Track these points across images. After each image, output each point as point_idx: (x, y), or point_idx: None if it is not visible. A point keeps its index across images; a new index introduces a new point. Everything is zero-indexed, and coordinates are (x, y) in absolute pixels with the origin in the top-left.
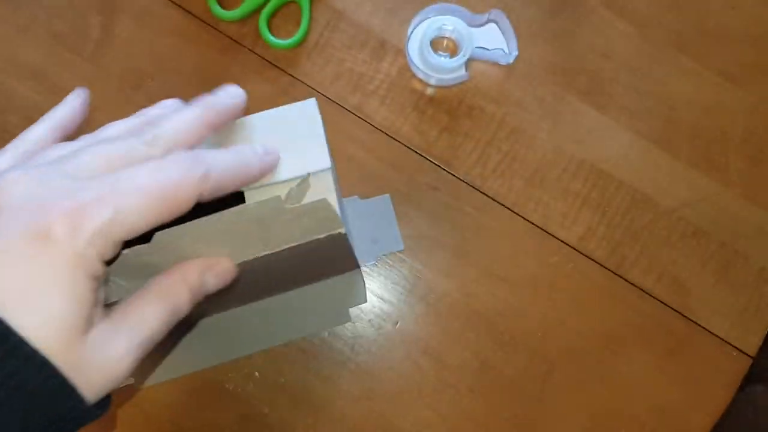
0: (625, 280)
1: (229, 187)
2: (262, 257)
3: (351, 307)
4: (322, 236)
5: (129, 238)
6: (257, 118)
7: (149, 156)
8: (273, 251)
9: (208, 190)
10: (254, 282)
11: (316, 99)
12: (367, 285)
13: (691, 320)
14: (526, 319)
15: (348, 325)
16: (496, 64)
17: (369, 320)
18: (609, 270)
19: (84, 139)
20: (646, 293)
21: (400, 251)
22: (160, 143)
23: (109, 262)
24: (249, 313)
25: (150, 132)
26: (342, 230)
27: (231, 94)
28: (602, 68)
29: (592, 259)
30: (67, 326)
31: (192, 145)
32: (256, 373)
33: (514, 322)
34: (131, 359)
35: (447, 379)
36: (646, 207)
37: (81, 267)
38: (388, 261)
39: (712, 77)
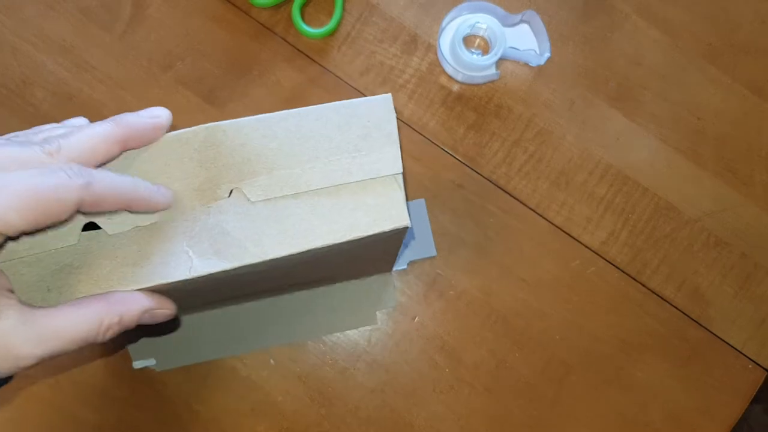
0: (645, 287)
1: (113, 205)
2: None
3: (379, 310)
4: (387, 229)
5: (9, 234)
6: (330, 109)
7: (43, 164)
8: (337, 242)
9: (89, 202)
10: (293, 272)
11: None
12: None
13: (708, 330)
14: (545, 321)
15: None
16: (526, 64)
17: (387, 313)
18: (629, 276)
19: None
20: (666, 301)
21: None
22: (62, 154)
23: None
24: (279, 306)
25: (55, 142)
26: (407, 224)
27: (152, 114)
28: (632, 75)
29: (614, 265)
30: None
31: (98, 162)
32: (272, 361)
33: (532, 323)
34: (34, 361)
35: (463, 376)
36: (669, 215)
37: None
38: None
39: (741, 90)
